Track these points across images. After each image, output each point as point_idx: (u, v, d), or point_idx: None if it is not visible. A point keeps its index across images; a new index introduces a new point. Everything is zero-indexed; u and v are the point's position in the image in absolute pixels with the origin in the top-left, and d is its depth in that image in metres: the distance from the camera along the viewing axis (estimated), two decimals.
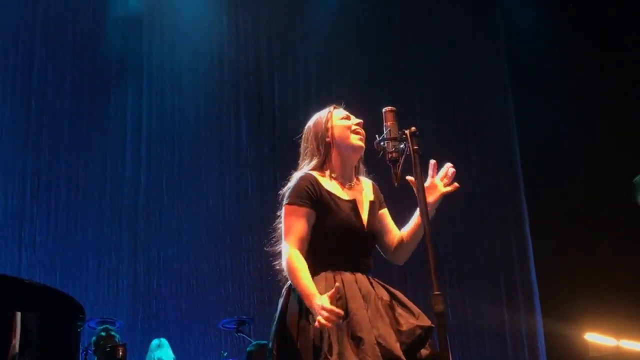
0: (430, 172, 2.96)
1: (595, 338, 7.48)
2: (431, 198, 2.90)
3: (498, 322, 8.19)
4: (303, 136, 3.05)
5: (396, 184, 2.73)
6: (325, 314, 2.49)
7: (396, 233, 3.05)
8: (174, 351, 6.44)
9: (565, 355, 7.76)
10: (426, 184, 2.88)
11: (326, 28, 8.67)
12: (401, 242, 3.00)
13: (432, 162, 2.94)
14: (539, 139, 8.38)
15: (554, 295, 7.95)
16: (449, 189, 2.94)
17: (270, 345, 2.77)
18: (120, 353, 4.35)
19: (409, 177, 2.78)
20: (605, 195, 7.56)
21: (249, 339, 6.63)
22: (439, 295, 2.45)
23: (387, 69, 8.68)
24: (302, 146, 3.05)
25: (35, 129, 7.89)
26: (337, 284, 2.62)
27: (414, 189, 2.75)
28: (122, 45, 8.28)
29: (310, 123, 3.05)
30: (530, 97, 8.56)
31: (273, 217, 3.02)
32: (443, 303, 2.45)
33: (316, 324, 2.52)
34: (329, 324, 2.50)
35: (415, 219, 2.95)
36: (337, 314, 2.50)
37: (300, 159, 3.03)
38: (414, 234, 2.95)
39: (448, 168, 2.97)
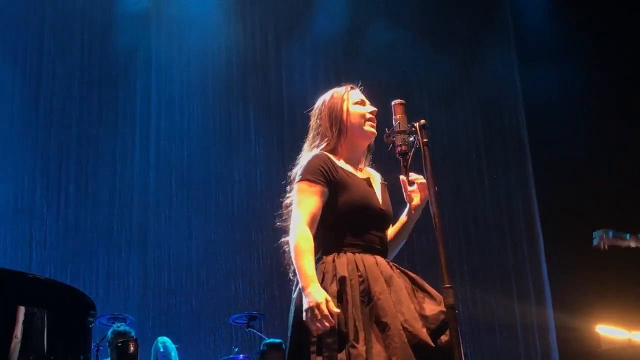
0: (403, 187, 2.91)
1: (607, 330, 7.43)
2: (416, 200, 2.88)
3: (509, 316, 8.16)
4: (315, 110, 3.00)
5: (406, 177, 2.72)
6: (318, 316, 2.46)
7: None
8: (184, 348, 6.48)
9: (576, 348, 7.72)
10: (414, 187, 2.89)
11: (334, 20, 8.65)
12: (392, 234, 2.97)
13: (402, 178, 2.85)
14: (549, 132, 8.34)
15: (565, 288, 7.91)
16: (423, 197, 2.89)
17: (289, 335, 2.69)
18: (132, 348, 4.36)
19: (401, 177, 2.80)
20: (617, 186, 7.51)
21: (259, 334, 6.64)
22: (450, 288, 2.44)
23: (396, 60, 8.64)
24: (312, 121, 3.00)
25: (45, 127, 7.91)
26: (338, 311, 2.53)
27: (403, 189, 2.82)
28: (130, 42, 8.29)
29: (326, 98, 2.99)
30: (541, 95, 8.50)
31: (282, 212, 3.01)
32: (454, 296, 2.44)
33: (304, 317, 2.50)
34: (319, 326, 2.47)
35: (403, 217, 2.96)
36: (329, 322, 2.46)
37: (311, 134, 2.99)
38: (398, 232, 2.96)
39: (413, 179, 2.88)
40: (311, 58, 8.75)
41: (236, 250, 7.99)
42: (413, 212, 2.91)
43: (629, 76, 7.76)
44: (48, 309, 2.63)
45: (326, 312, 2.46)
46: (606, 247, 4.46)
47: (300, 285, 2.61)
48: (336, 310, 2.49)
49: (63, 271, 7.36)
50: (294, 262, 2.64)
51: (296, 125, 7.53)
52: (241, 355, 6.40)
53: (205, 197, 8.16)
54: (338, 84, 3.09)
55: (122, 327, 5.98)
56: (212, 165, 8.26)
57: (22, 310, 2.52)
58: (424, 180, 2.80)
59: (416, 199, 2.88)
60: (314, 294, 2.50)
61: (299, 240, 2.64)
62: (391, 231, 2.96)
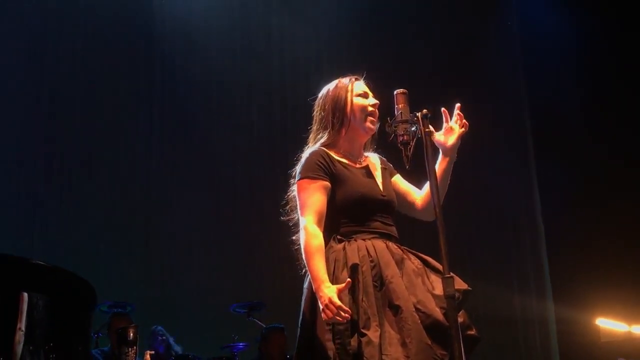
0: (444, 118, 2.94)
1: (607, 323, 7.45)
2: (451, 141, 2.90)
3: (509, 308, 8.17)
4: (319, 100, 3.02)
5: (407, 166, 2.72)
6: (334, 309, 2.48)
7: (417, 191, 3.03)
8: (185, 336, 6.50)
9: (576, 340, 7.74)
10: (442, 130, 2.91)
11: (338, 8, 8.63)
12: (428, 197, 2.94)
13: (443, 109, 2.91)
14: (553, 126, 8.32)
15: (566, 281, 7.92)
16: (463, 129, 2.92)
17: (300, 322, 2.74)
18: (131, 335, 4.35)
19: (443, 109, 2.88)
20: (620, 178, 7.50)
21: (260, 323, 6.64)
22: (451, 278, 2.45)
23: (400, 50, 8.62)
24: (316, 112, 3.02)
25: (48, 113, 7.90)
26: (348, 279, 2.58)
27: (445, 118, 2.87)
28: (134, 29, 8.28)
29: (330, 88, 3.01)
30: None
31: (284, 202, 3.02)
32: (454, 286, 2.45)
33: (323, 315, 2.52)
34: (339, 319, 2.49)
35: (438, 167, 2.92)
36: (344, 312, 2.48)
37: (315, 126, 3.00)
38: (441, 181, 2.90)
39: (457, 107, 2.94)
40: (315, 45, 8.75)
41: (237, 239, 8.00)
42: (447, 156, 2.90)
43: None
44: (49, 295, 2.62)
45: (338, 303, 2.48)
46: None
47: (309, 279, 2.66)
48: (339, 303, 2.49)
49: (64, 258, 7.35)
50: (305, 262, 2.68)
51: (299, 113, 7.53)
52: (241, 344, 6.42)
53: (207, 186, 8.16)
54: (342, 71, 3.09)
55: (120, 311, 6.02)
56: (214, 154, 8.26)
57: (25, 296, 2.52)
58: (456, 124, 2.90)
59: (451, 139, 2.90)
60: (325, 293, 2.53)
61: (309, 241, 2.67)
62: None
